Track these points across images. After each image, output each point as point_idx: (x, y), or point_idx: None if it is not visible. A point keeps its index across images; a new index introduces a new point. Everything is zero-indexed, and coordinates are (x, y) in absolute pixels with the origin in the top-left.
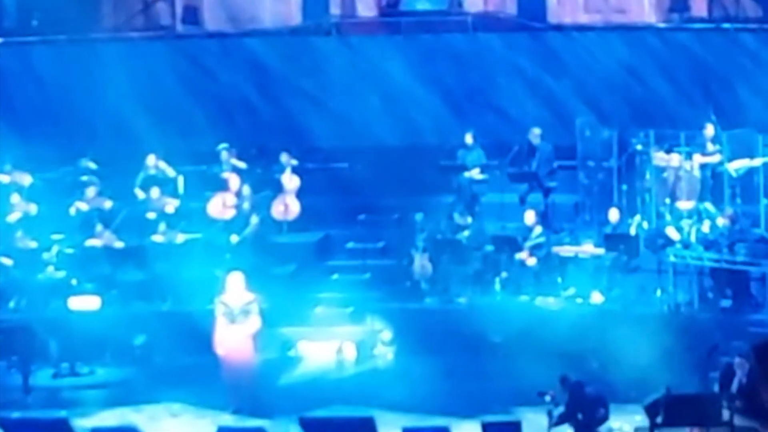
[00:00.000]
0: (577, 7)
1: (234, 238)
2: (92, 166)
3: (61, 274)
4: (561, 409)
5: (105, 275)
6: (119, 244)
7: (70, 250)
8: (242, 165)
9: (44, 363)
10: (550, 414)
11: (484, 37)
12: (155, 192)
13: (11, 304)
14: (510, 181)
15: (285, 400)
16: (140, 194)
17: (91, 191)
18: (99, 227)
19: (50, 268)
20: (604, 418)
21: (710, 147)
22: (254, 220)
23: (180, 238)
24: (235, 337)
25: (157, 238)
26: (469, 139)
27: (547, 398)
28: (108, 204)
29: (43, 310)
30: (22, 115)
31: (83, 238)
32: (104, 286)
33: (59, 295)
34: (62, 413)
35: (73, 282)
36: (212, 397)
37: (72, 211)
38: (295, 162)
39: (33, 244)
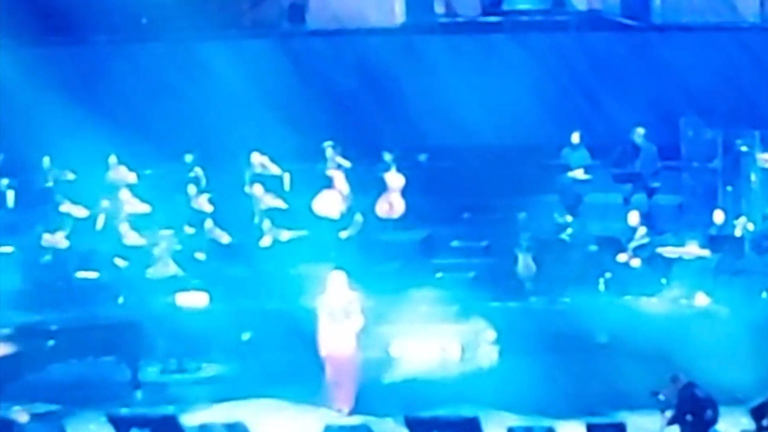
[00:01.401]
0: (681, 7)
1: (343, 234)
2: (199, 171)
3: (170, 270)
4: (671, 410)
5: (212, 272)
6: (226, 240)
7: (178, 247)
8: (347, 163)
9: (152, 359)
10: (663, 413)
11: (587, 37)
12: (260, 190)
13: (120, 300)
14: (614, 182)
15: (388, 399)
16: (252, 191)
17: (192, 189)
18: (208, 222)
19: (158, 265)
20: (713, 421)
21: None
22: (359, 218)
23: (285, 235)
24: (337, 336)
25: (264, 237)
26: (575, 138)
27: (661, 397)
28: (208, 206)
29: (151, 306)
30: (128, 113)
31: (191, 235)
32: (211, 282)
33: (167, 291)
34: (170, 409)
35: (181, 278)
36: (317, 394)
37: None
38: (402, 156)
39: (141, 241)
